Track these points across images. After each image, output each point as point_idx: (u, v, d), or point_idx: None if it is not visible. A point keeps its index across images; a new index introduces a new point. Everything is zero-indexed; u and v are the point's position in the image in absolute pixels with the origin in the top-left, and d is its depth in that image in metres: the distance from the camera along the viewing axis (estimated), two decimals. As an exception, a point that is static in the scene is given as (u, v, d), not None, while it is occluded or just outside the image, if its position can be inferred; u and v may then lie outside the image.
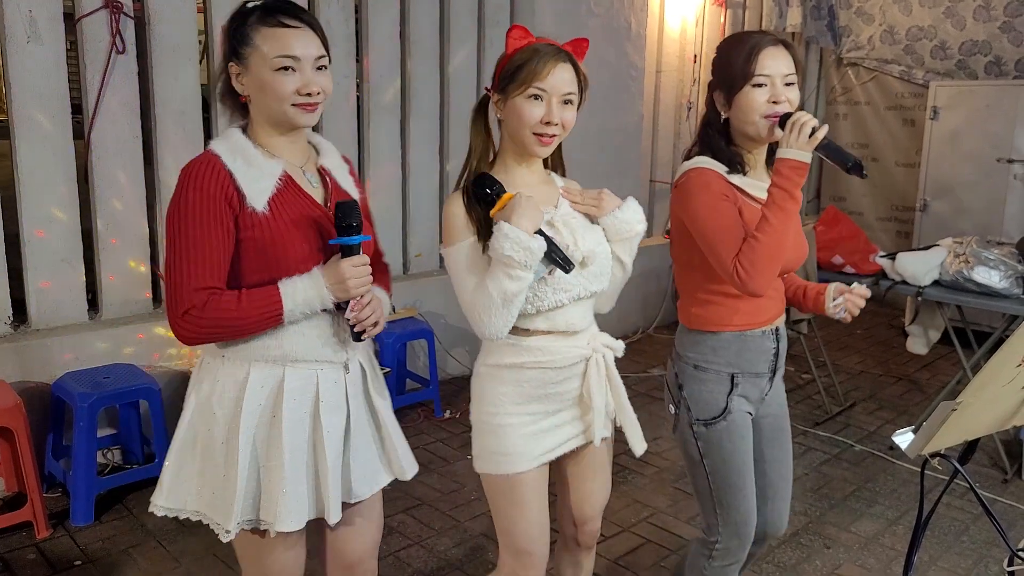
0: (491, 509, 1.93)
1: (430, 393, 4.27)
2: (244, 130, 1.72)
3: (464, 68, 4.70)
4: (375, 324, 1.72)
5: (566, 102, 1.77)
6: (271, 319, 1.63)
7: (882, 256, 4.08)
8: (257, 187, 1.64)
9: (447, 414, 4.25)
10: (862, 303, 1.94)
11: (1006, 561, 1.72)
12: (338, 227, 1.64)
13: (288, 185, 1.69)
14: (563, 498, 2.04)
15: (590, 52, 1.86)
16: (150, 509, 1.75)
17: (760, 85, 1.83)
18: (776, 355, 2.00)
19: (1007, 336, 1.31)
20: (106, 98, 3.41)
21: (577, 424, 1.92)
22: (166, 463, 1.74)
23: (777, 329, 2.00)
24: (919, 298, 3.86)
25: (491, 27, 4.76)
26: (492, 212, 1.73)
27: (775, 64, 1.83)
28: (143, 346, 3.57)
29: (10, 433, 2.95)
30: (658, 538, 3.14)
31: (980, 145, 5.71)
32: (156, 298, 3.73)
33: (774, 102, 1.83)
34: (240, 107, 1.74)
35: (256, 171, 1.65)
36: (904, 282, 3.85)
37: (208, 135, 3.79)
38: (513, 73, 1.75)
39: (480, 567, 2.89)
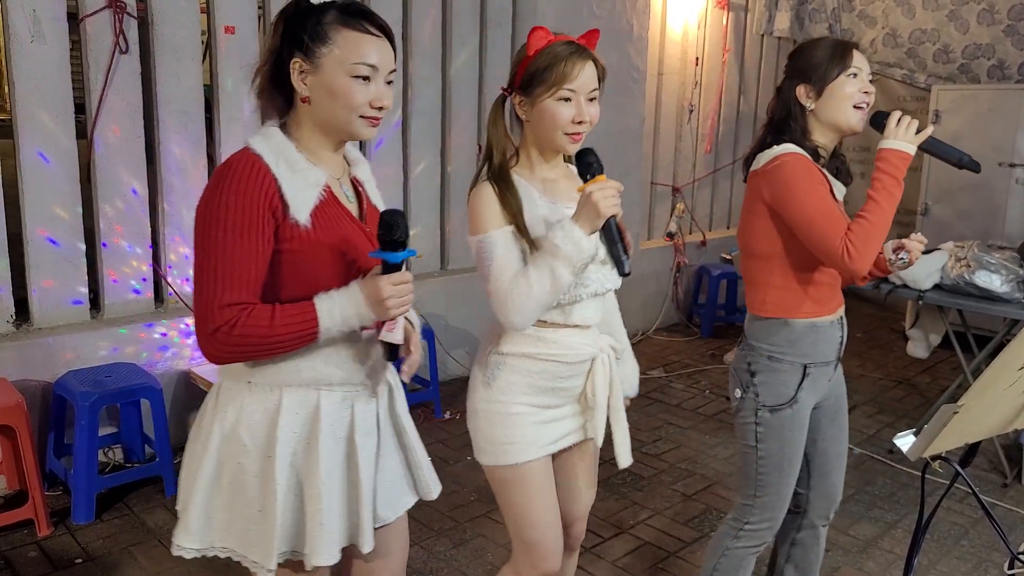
0: (499, 502, 1.92)
1: (430, 394, 4.27)
2: (283, 130, 1.57)
3: (466, 69, 4.70)
4: (408, 348, 1.63)
5: (592, 99, 1.80)
6: (306, 337, 1.49)
7: (883, 259, 4.08)
8: (302, 197, 1.51)
9: (447, 415, 4.25)
10: (921, 248, 2.14)
11: (1006, 564, 1.72)
12: (382, 240, 1.49)
13: (330, 197, 1.57)
14: None
15: (592, 54, 1.89)
16: (175, 552, 1.59)
17: (855, 75, 2.01)
18: (841, 343, 2.14)
19: (1008, 340, 1.31)
20: (109, 98, 3.42)
21: (577, 419, 1.94)
22: (191, 501, 1.58)
23: (841, 318, 2.15)
24: (920, 302, 3.85)
25: (493, 28, 4.76)
26: (580, 188, 1.71)
27: (861, 61, 2.04)
28: (144, 345, 3.57)
29: (12, 431, 2.96)
30: (657, 540, 3.15)
31: (982, 149, 5.70)
32: (158, 298, 3.74)
33: (864, 92, 2.02)
34: (281, 105, 1.59)
35: (300, 179, 1.52)
36: (905, 286, 3.85)
37: (210, 135, 3.80)
38: (540, 75, 1.75)
39: (479, 568, 2.89)
